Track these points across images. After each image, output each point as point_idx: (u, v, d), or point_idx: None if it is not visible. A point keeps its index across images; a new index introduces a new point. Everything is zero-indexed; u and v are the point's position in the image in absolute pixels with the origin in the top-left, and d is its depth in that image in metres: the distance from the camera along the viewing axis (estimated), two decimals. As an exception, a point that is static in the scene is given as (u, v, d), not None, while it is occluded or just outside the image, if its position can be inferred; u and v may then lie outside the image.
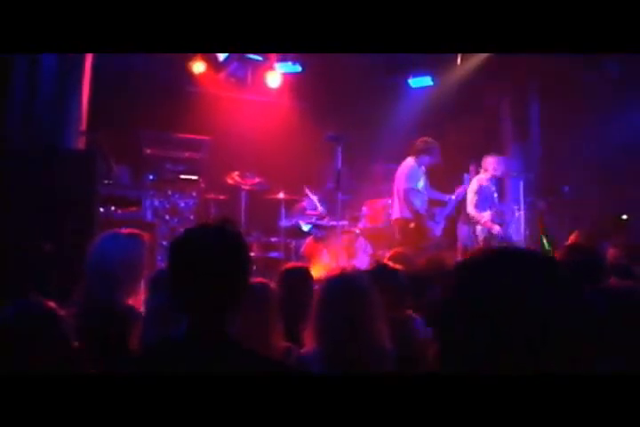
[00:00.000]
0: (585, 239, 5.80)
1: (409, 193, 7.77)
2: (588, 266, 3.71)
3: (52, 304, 2.40)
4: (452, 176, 8.44)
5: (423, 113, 10.18)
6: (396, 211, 7.99)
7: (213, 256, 2.04)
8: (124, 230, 3.44)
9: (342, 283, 3.10)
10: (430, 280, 4.66)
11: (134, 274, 3.33)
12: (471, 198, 8.07)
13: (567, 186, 8.89)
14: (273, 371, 2.01)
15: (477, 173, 8.77)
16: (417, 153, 7.96)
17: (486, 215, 7.97)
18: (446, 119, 10.14)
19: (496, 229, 7.89)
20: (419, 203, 7.80)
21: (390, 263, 4.20)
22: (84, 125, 6.72)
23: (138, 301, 3.38)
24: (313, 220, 8.95)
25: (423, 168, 8.00)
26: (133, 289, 3.36)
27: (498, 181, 8.50)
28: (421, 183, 7.92)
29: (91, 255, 3.31)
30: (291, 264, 4.68)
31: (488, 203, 8.07)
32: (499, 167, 8.21)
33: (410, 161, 7.97)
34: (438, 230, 7.97)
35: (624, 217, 9.50)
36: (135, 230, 3.49)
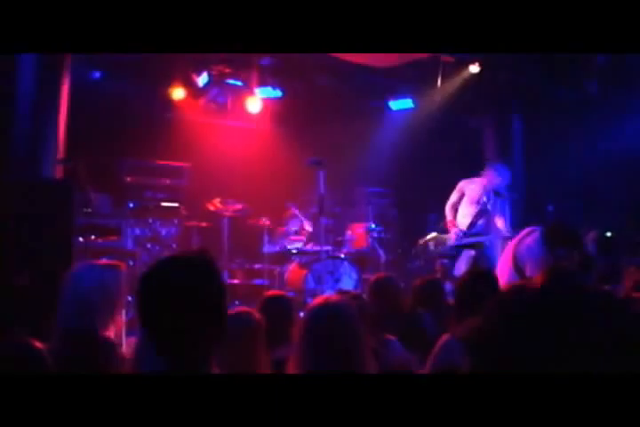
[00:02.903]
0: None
1: None
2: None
3: (38, 344, 2.30)
4: (438, 198, 8.36)
5: (405, 136, 10.18)
6: None
7: (185, 286, 1.94)
8: (101, 261, 3.36)
9: (327, 311, 2.99)
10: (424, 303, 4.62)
11: (110, 305, 3.24)
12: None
13: (551, 205, 8.86)
14: None
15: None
16: None
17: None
18: (428, 142, 10.14)
19: (453, 231, 7.80)
20: None
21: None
22: (61, 154, 6.62)
23: (118, 331, 3.31)
24: (297, 245, 8.87)
25: None
26: (110, 320, 3.26)
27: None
28: None
29: (66, 286, 3.22)
30: (271, 292, 4.60)
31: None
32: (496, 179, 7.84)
33: None
34: None
35: (608, 234, 9.46)
36: (112, 261, 3.40)
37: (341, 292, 4.29)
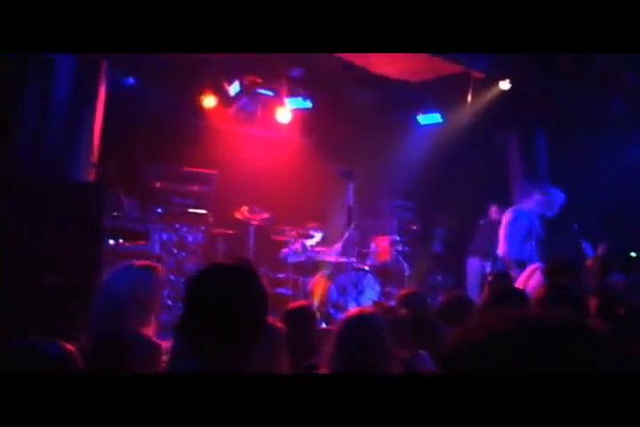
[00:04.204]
0: (591, 274, 5.74)
1: None
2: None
3: (70, 347, 2.33)
4: (464, 213, 8.36)
5: (431, 150, 10.19)
6: None
7: (232, 295, 2.00)
8: (138, 262, 3.38)
9: (359, 322, 3.06)
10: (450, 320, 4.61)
11: (145, 306, 3.27)
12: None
13: (576, 224, 8.80)
14: None
15: (498, 212, 8.62)
16: None
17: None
18: (454, 156, 10.15)
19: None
20: None
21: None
22: (95, 157, 6.71)
23: (150, 333, 3.33)
24: (322, 256, 8.88)
25: None
26: (144, 321, 3.29)
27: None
28: None
29: (102, 287, 3.25)
30: (295, 303, 4.65)
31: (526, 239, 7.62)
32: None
33: None
34: None
35: (633, 254, 9.39)
36: (149, 263, 3.44)
37: (377, 304, 4.33)
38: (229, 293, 2.01)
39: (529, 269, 6.14)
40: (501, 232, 7.58)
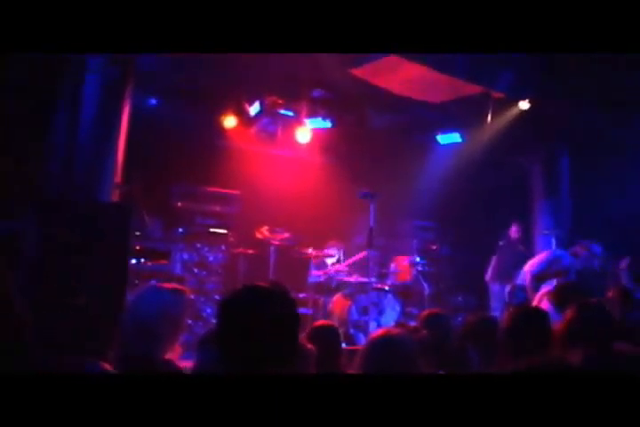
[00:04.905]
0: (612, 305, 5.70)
1: None
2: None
3: (107, 366, 2.36)
4: (486, 232, 8.36)
5: (451, 170, 10.20)
6: None
7: (265, 314, 2.04)
8: (167, 285, 3.40)
9: (386, 343, 3.08)
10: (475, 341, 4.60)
11: (173, 330, 3.27)
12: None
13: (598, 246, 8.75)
14: None
15: (518, 232, 8.67)
16: None
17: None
18: (475, 177, 10.15)
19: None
20: None
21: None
22: (119, 178, 6.77)
23: (174, 356, 3.33)
24: (341, 276, 8.88)
25: None
26: (171, 345, 3.30)
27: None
28: None
29: (131, 309, 3.26)
30: (319, 322, 4.67)
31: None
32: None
33: None
34: None
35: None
36: (177, 285, 3.45)
37: (401, 324, 4.34)
38: (262, 315, 2.06)
39: (539, 294, 6.13)
40: (531, 263, 7.66)
